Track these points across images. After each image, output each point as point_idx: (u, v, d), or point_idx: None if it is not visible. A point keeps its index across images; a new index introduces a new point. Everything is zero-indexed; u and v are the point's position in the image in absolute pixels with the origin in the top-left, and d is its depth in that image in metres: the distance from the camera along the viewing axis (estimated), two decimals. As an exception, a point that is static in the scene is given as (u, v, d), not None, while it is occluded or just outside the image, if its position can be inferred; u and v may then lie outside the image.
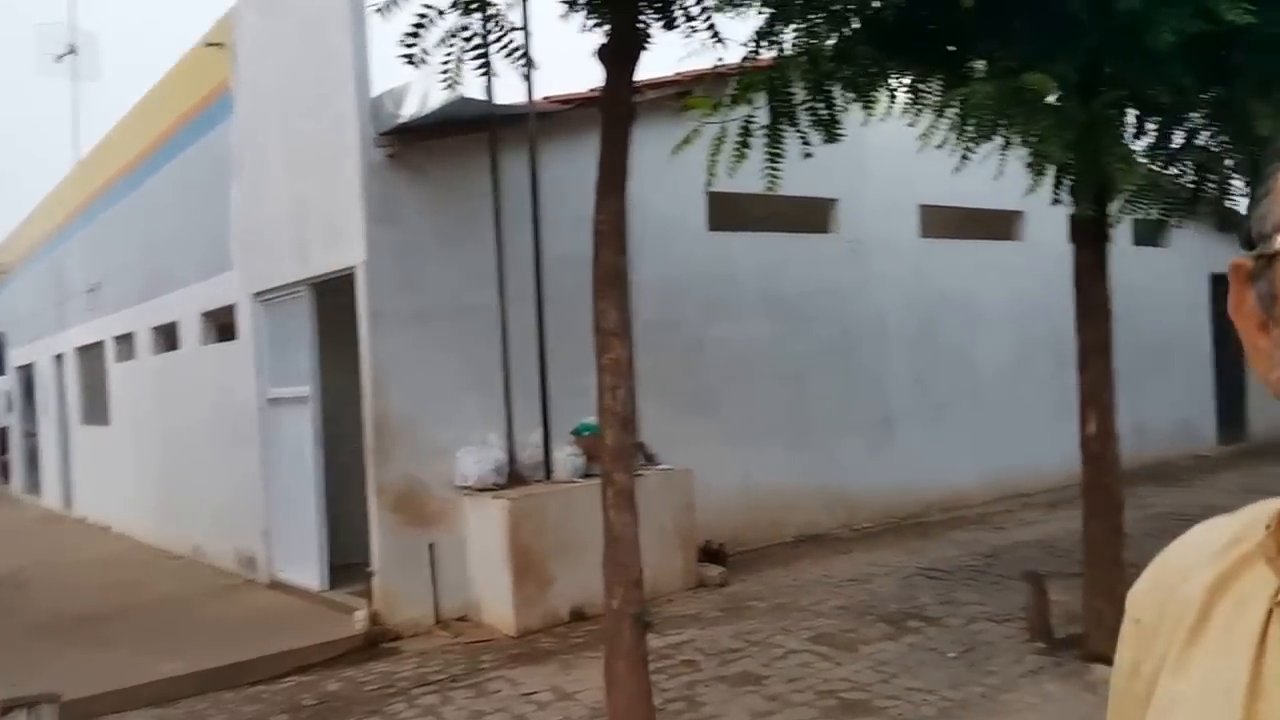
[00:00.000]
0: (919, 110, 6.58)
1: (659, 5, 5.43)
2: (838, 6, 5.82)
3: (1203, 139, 6.52)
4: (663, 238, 9.62)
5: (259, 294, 10.14)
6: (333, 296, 9.06)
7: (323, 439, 9.32)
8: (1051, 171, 6.16)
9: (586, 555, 6.93)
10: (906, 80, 6.60)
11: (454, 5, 5.13)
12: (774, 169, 6.07)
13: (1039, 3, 5.35)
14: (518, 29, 5.62)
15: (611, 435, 5.23)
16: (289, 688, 7.17)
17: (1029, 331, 12.54)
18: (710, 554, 9.33)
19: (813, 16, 5.81)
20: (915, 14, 5.84)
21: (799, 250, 11.05)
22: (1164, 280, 14.23)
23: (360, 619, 8.12)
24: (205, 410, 11.49)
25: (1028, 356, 12.62)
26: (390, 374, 8.34)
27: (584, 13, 5.44)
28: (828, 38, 5.98)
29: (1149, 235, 13.65)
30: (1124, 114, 6.01)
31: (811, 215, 11.22)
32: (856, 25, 6.00)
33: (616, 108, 5.28)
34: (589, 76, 9.37)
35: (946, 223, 12.31)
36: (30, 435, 21.01)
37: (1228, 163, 6.56)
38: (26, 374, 20.95)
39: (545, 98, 8.78)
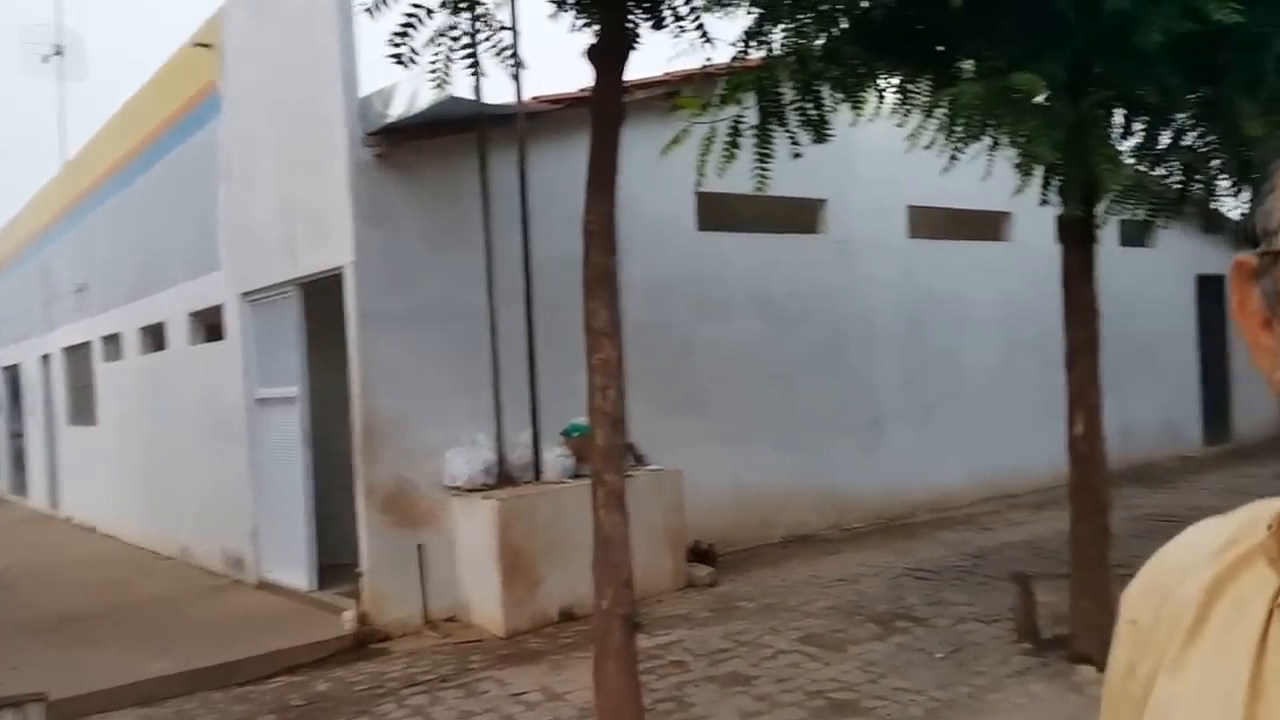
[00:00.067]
0: (907, 111, 6.59)
1: (648, 5, 5.43)
2: (826, 6, 5.82)
3: (1189, 139, 6.54)
4: (652, 238, 9.62)
5: (247, 294, 10.11)
6: (321, 297, 9.03)
7: (311, 439, 9.30)
8: (1039, 172, 6.18)
9: (576, 556, 6.94)
10: (895, 80, 6.61)
11: (443, 4, 5.12)
12: (763, 169, 6.08)
13: (1027, 2, 5.37)
14: (506, 28, 5.62)
15: (602, 435, 5.23)
16: (277, 688, 7.15)
17: (1017, 332, 12.57)
18: (699, 554, 9.33)
19: (801, 16, 5.81)
20: (903, 14, 5.85)
21: (788, 251, 11.06)
22: (1150, 282, 14.26)
23: (349, 619, 8.10)
24: (193, 410, 11.45)
25: (1015, 357, 12.65)
26: (379, 374, 8.32)
27: (573, 12, 5.44)
28: (816, 38, 5.98)
29: (1135, 236, 13.69)
30: (1112, 114, 6.03)
31: (800, 216, 11.24)
32: (845, 25, 6.00)
33: (606, 107, 5.28)
34: (578, 76, 9.37)
35: (935, 223, 12.34)
36: (17, 436, 20.94)
37: (1214, 163, 6.59)
38: (13, 374, 20.87)
39: (534, 98, 8.78)
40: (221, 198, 10.57)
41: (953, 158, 6.39)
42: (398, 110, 8.13)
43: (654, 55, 6.03)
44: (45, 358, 17.97)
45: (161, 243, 12.42)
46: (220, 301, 10.70)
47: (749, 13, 5.78)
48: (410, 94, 7.94)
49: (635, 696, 5.22)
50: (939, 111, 6.50)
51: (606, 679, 5.17)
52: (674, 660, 6.97)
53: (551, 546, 8.04)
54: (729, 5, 5.64)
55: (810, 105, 6.24)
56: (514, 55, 5.71)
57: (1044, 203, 6.69)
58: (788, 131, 6.26)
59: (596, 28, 5.31)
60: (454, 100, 7.47)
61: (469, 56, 5.38)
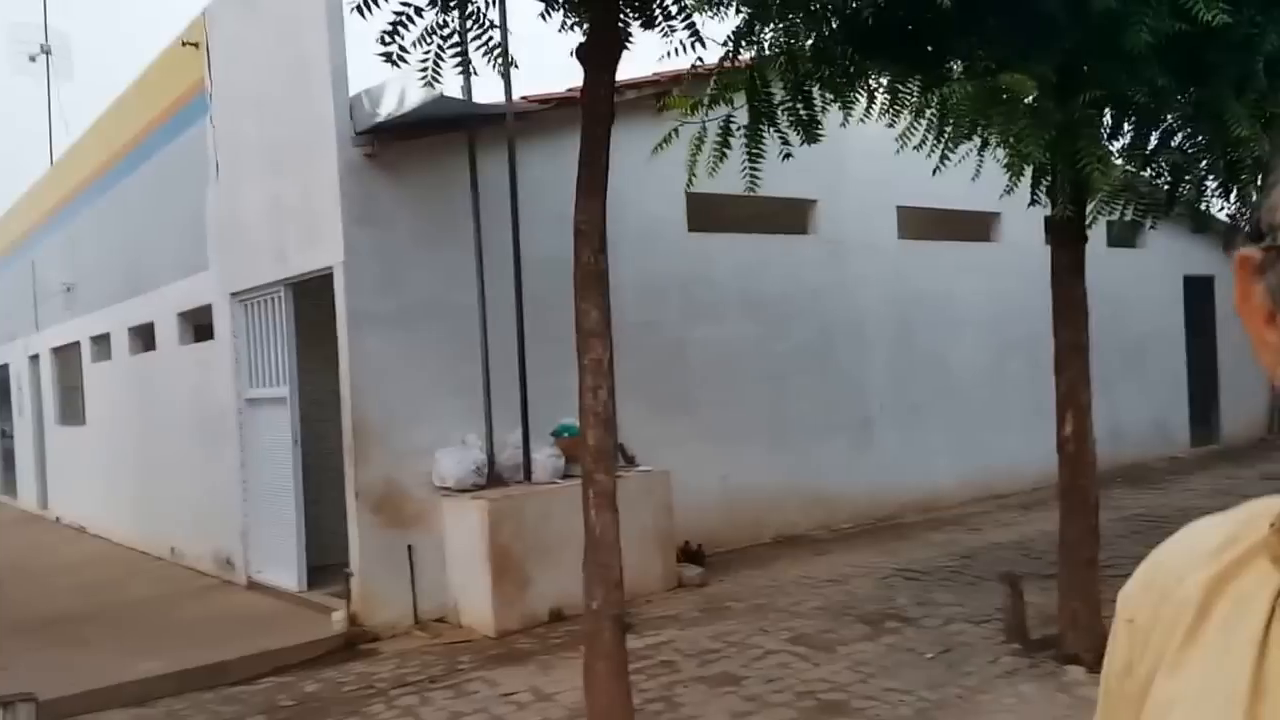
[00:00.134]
0: (898, 111, 6.60)
1: (638, 5, 5.43)
2: (816, 6, 5.83)
3: (1178, 140, 6.56)
4: (643, 238, 9.62)
5: (236, 294, 10.08)
6: (311, 296, 9.02)
7: (301, 439, 9.28)
8: (1029, 172, 6.20)
9: (565, 556, 6.93)
10: (885, 81, 6.62)
11: (431, 2, 5.12)
12: (754, 170, 6.08)
13: (1016, 3, 5.38)
14: (496, 26, 5.61)
15: (593, 435, 5.22)
16: (267, 688, 7.13)
17: (1006, 333, 12.59)
18: (689, 554, 9.34)
19: (791, 16, 5.82)
20: (893, 14, 5.86)
21: (778, 251, 11.06)
22: (1138, 283, 14.30)
23: (339, 620, 8.08)
24: (182, 411, 11.42)
25: (1005, 358, 12.68)
26: (369, 374, 8.30)
27: (563, 12, 5.45)
28: (806, 38, 6.00)
29: (1124, 237, 13.74)
30: (1101, 114, 6.04)
31: (791, 216, 11.25)
32: (835, 25, 6.01)
33: (596, 107, 5.28)
34: (568, 76, 9.38)
35: (924, 224, 12.36)
36: (5, 436, 20.87)
37: (1203, 164, 6.61)
38: (2, 375, 20.78)
39: (524, 97, 8.76)
40: (210, 197, 10.53)
41: (943, 158, 6.41)
42: (387, 110, 8.11)
43: (644, 55, 6.04)
44: (34, 358, 17.91)
45: (150, 242, 12.38)
46: (209, 301, 10.66)
47: (739, 12, 5.79)
48: (400, 93, 7.93)
49: (625, 697, 5.22)
50: (929, 112, 6.52)
51: (596, 679, 5.17)
52: (664, 660, 6.96)
53: (541, 547, 8.03)
54: (719, 5, 5.64)
55: (801, 105, 6.25)
56: (504, 54, 5.70)
57: (1033, 203, 6.71)
58: (778, 132, 6.27)
59: (586, 27, 5.31)
60: (444, 100, 7.46)
61: (459, 55, 5.38)
